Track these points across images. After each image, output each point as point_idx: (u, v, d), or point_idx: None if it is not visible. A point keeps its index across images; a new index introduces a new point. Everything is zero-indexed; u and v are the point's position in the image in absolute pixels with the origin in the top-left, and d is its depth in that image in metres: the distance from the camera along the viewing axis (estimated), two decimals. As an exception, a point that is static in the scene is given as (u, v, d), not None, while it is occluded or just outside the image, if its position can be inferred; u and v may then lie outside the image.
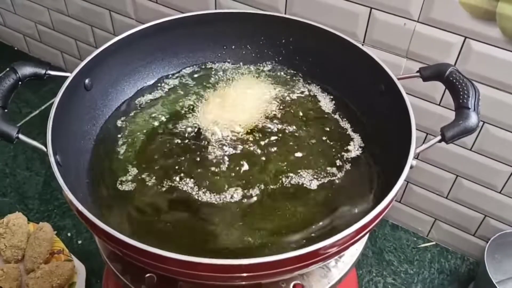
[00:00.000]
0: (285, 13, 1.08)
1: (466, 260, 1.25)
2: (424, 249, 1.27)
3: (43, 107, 1.57)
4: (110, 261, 0.69)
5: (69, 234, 1.24)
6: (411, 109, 0.68)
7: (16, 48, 1.80)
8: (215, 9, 1.17)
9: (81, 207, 0.55)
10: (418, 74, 0.74)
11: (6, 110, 0.63)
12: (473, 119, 0.65)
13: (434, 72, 0.72)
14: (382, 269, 1.23)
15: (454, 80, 0.68)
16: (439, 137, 0.65)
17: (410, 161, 0.62)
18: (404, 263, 1.24)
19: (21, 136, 0.62)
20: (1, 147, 1.45)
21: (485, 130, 1.01)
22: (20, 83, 0.66)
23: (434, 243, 1.28)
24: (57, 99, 0.66)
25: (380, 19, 0.98)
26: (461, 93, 0.67)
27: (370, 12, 0.98)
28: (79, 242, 1.23)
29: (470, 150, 1.07)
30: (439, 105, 1.03)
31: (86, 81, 0.74)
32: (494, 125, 1.00)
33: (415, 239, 1.29)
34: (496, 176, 1.07)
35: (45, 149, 0.60)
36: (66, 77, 0.70)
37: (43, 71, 0.68)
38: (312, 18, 0.85)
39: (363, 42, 1.02)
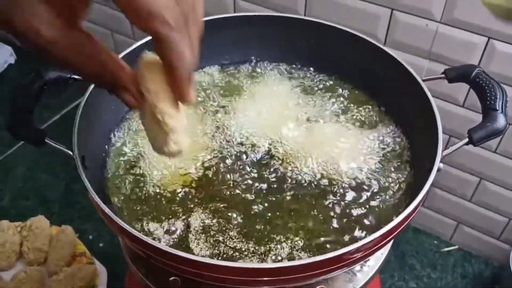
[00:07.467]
0: (304, 15, 1.07)
1: (489, 264, 1.23)
2: (447, 253, 1.25)
3: (64, 112, 1.59)
4: (134, 264, 0.69)
5: (90, 237, 1.25)
6: (437, 111, 0.67)
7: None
8: (234, 12, 1.17)
9: (107, 210, 0.55)
10: (443, 75, 0.72)
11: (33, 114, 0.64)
12: (501, 120, 0.64)
13: (459, 74, 0.71)
14: (404, 274, 1.21)
15: (481, 82, 0.67)
16: (466, 140, 0.64)
17: (438, 164, 0.61)
18: (427, 268, 1.22)
19: (48, 141, 0.62)
20: (22, 151, 1.46)
21: (510, 132, 0.99)
22: (45, 87, 0.67)
23: (457, 247, 1.26)
24: (82, 103, 0.66)
25: (401, 20, 0.97)
26: (488, 94, 0.65)
27: (391, 13, 0.97)
28: (101, 245, 1.24)
29: (494, 152, 1.05)
30: (462, 106, 1.01)
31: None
32: (519, 126, 0.98)
33: (437, 243, 1.27)
34: (521, 178, 1.05)
35: (71, 153, 0.60)
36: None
37: (68, 74, 0.69)
38: (332, 20, 0.84)
39: (384, 43, 1.01)
